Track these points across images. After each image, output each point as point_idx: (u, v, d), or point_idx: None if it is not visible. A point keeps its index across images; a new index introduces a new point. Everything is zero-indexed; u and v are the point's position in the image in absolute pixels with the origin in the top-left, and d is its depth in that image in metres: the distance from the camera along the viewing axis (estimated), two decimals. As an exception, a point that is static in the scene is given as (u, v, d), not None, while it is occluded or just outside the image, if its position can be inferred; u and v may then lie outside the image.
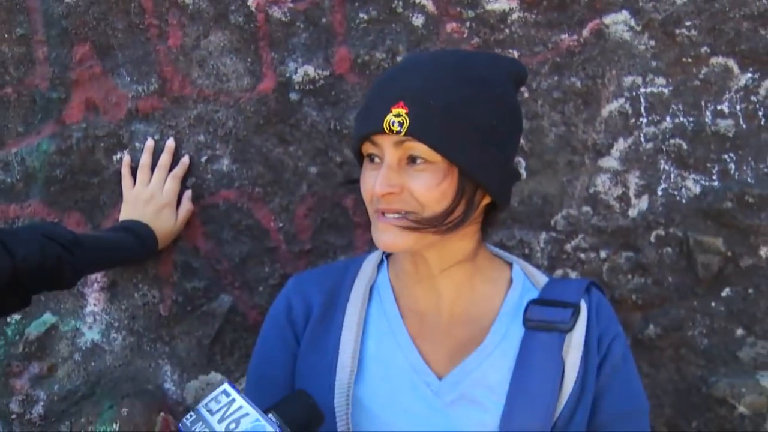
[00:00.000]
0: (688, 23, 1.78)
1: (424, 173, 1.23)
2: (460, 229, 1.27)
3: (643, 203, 1.81)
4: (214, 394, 1.14)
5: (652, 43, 1.80)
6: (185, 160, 1.88)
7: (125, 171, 1.88)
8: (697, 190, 1.79)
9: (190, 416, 1.12)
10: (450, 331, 1.38)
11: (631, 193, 1.81)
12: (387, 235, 1.26)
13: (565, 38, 1.82)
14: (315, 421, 1.18)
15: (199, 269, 1.91)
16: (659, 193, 1.81)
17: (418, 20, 1.83)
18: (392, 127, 1.20)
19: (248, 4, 1.85)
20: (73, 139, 1.90)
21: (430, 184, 1.22)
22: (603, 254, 1.83)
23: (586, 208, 1.83)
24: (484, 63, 1.29)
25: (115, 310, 1.94)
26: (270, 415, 1.12)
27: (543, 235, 1.84)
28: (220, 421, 1.10)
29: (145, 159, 1.87)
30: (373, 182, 1.25)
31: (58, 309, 1.95)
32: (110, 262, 1.80)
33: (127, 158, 1.89)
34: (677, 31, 1.79)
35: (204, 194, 1.90)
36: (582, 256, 1.83)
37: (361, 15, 1.84)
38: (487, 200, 1.31)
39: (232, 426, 1.08)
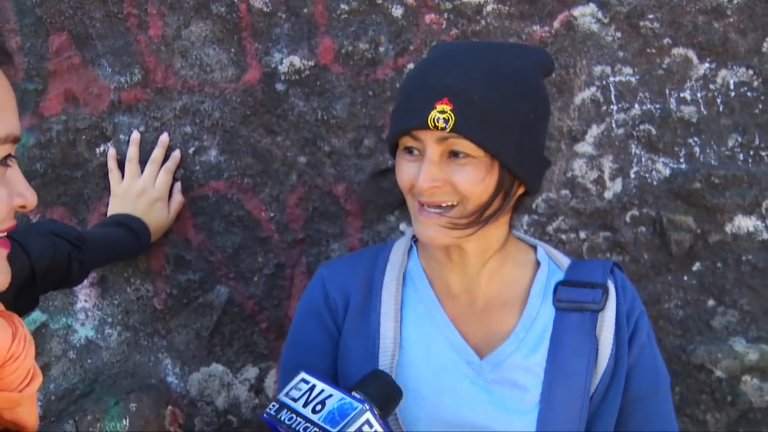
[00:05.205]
0: (650, 16, 1.89)
1: (467, 167, 1.27)
2: (495, 220, 1.33)
3: (618, 186, 1.91)
4: (293, 383, 1.16)
5: (619, 34, 1.89)
6: (176, 154, 1.86)
7: (112, 164, 1.84)
8: (667, 172, 1.91)
9: (273, 406, 1.13)
10: (485, 314, 1.43)
11: (606, 176, 1.91)
12: (429, 230, 1.31)
13: (537, 29, 1.89)
14: (394, 397, 1.22)
15: (192, 261, 1.90)
16: (632, 175, 1.91)
17: (397, 11, 1.87)
18: (437, 124, 1.23)
19: (229, -7, 1.84)
20: (52, 131, 1.85)
21: (475, 178, 1.27)
22: (582, 235, 1.92)
23: (564, 192, 1.92)
24: (517, 56, 1.33)
25: (108, 305, 1.90)
26: (354, 393, 1.15)
27: (525, 218, 1.92)
28: (304, 406, 1.11)
29: (133, 151, 1.83)
30: (412, 174, 1.29)
31: (47, 307, 1.90)
32: (110, 258, 1.77)
33: (112, 151, 1.85)
34: (641, 23, 1.89)
35: (193, 186, 1.89)
36: (563, 237, 1.92)
37: (342, 6, 1.86)
38: (521, 190, 1.36)
39: (318, 407, 1.10)
